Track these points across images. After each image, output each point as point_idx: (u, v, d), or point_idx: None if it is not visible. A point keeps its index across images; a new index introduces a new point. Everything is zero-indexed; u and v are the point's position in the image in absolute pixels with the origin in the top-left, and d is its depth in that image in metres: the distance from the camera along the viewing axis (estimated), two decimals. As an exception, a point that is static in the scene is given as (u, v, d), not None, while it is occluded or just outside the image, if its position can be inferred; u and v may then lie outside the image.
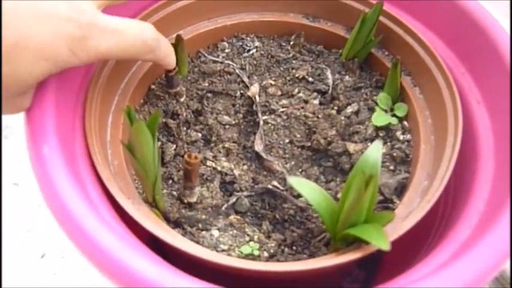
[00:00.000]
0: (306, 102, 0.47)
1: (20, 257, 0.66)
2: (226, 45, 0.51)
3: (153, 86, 0.47)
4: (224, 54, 0.51)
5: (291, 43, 0.51)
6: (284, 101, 0.48)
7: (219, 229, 0.39)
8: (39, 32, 0.31)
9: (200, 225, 0.39)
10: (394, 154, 0.43)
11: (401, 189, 0.41)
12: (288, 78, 0.49)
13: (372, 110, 0.46)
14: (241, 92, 0.48)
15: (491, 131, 0.42)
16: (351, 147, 0.43)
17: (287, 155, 0.46)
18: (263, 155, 0.44)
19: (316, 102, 0.47)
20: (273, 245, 0.39)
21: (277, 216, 0.41)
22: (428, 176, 0.40)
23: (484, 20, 0.43)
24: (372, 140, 0.44)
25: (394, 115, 0.45)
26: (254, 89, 0.47)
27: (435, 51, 0.44)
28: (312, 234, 0.40)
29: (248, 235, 0.39)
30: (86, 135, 0.39)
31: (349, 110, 0.46)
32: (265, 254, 0.38)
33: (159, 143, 0.45)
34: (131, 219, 0.34)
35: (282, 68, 0.50)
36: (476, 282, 0.29)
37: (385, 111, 0.45)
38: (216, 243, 0.38)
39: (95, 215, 0.31)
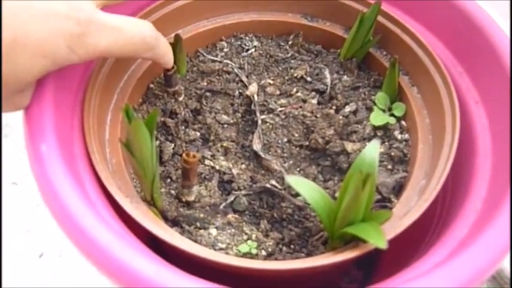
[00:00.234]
0: (304, 101, 0.48)
1: (18, 256, 0.66)
2: (225, 44, 0.51)
3: (151, 85, 0.47)
4: (223, 54, 0.51)
5: (290, 43, 0.52)
6: (282, 101, 0.48)
7: (217, 228, 0.39)
8: (37, 29, 0.31)
9: (198, 224, 0.39)
10: (392, 153, 0.43)
11: (399, 188, 0.41)
12: (286, 77, 0.50)
13: (370, 109, 0.46)
14: (240, 91, 0.48)
15: (488, 131, 0.42)
16: (349, 146, 0.43)
17: (285, 154, 0.46)
18: (261, 154, 0.45)
19: (314, 101, 0.47)
20: (271, 243, 0.39)
21: (275, 215, 0.42)
22: (426, 175, 0.40)
23: (482, 20, 0.43)
24: (370, 140, 0.44)
25: (392, 115, 0.45)
26: (252, 88, 0.47)
27: (433, 51, 0.45)
28: (309, 233, 0.40)
29: (246, 234, 0.40)
30: (85, 134, 0.39)
31: (347, 109, 0.46)
32: (263, 252, 0.38)
33: (158, 142, 0.45)
34: (130, 218, 0.34)
35: (280, 68, 0.50)
36: (473, 280, 0.30)
37: (383, 110, 0.46)
38: (214, 242, 0.38)
39: (93, 213, 0.31)
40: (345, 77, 0.49)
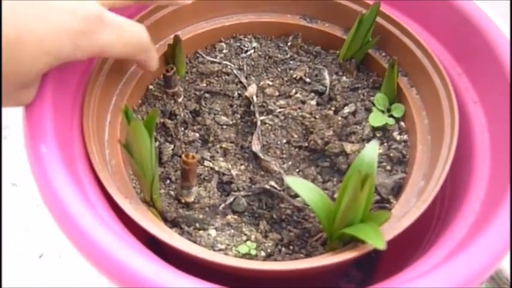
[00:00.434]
0: (303, 102, 0.48)
1: (18, 257, 0.66)
2: (224, 45, 0.51)
3: (151, 86, 0.47)
4: (222, 55, 0.51)
5: (289, 44, 0.52)
6: (281, 102, 0.48)
7: (216, 229, 0.40)
8: (41, 26, 0.31)
9: (197, 225, 0.39)
10: (391, 154, 0.43)
11: (398, 189, 0.41)
12: (285, 78, 0.50)
13: (369, 110, 0.46)
14: (239, 92, 0.48)
15: (487, 131, 0.42)
16: (348, 147, 0.43)
17: (284, 155, 0.46)
18: (260, 155, 0.45)
19: (313, 102, 0.48)
20: (270, 244, 0.39)
21: (275, 216, 0.42)
22: (424, 176, 0.40)
23: (481, 21, 0.43)
24: (368, 141, 0.44)
25: (391, 115, 0.45)
26: (252, 89, 0.47)
27: (432, 52, 0.45)
28: (308, 234, 0.40)
29: (245, 235, 0.40)
30: (84, 135, 0.39)
31: (346, 110, 0.46)
32: (262, 253, 0.38)
33: (157, 143, 0.45)
34: (129, 219, 0.34)
35: (279, 69, 0.50)
36: (472, 281, 0.30)
37: (382, 111, 0.46)
38: (213, 243, 0.38)
39: (92, 214, 0.32)
40: (344, 78, 0.49)
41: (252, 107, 0.47)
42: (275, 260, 0.38)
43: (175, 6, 0.47)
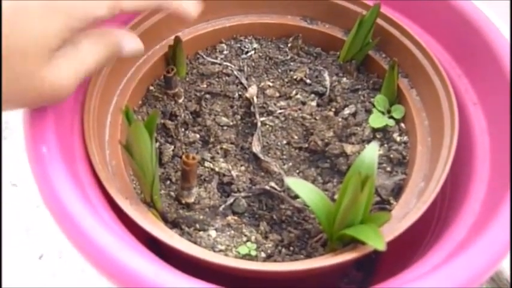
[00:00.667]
0: (304, 103, 0.48)
1: (18, 257, 0.66)
2: (225, 47, 0.51)
3: (151, 87, 0.48)
4: (222, 56, 0.51)
5: (289, 45, 0.52)
6: (282, 103, 0.48)
7: (216, 229, 0.40)
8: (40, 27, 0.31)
9: (198, 226, 0.39)
10: (391, 155, 0.43)
11: (398, 191, 0.41)
12: (285, 80, 0.50)
13: (369, 111, 0.46)
14: (239, 93, 0.48)
15: (487, 133, 0.42)
16: (348, 148, 0.43)
17: (284, 156, 0.46)
18: (261, 156, 0.45)
19: (313, 103, 0.48)
20: (270, 245, 0.39)
21: (275, 216, 0.42)
22: (424, 177, 0.40)
23: (481, 23, 0.44)
24: (369, 142, 0.44)
25: (391, 117, 0.45)
26: (252, 90, 0.47)
27: (432, 54, 0.45)
28: (309, 235, 0.40)
29: (245, 235, 0.40)
30: (85, 136, 0.39)
31: (347, 111, 0.46)
32: (263, 254, 0.38)
33: (157, 144, 0.45)
34: (129, 220, 0.34)
35: (280, 70, 0.50)
36: (472, 282, 0.30)
37: (382, 113, 0.46)
38: (214, 244, 0.38)
39: (93, 215, 0.32)
40: (344, 79, 0.49)
41: (252, 108, 0.47)
42: (275, 261, 0.38)
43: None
